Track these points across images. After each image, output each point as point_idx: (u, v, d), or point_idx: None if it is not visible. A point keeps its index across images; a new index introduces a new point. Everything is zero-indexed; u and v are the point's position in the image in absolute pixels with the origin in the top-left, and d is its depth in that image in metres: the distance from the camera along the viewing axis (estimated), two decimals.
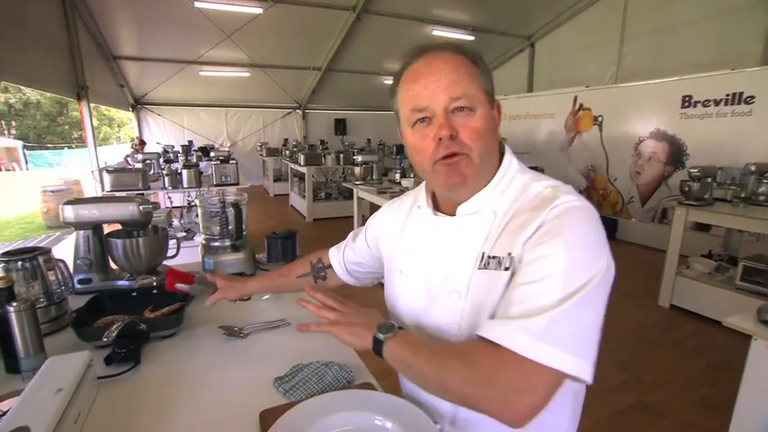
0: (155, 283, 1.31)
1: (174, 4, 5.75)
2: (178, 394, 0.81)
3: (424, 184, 0.83)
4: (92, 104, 5.72)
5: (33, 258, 1.04)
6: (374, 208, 4.19)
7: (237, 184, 4.23)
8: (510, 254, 0.64)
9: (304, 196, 6.57)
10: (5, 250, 1.04)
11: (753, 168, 3.19)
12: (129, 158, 5.59)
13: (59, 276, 1.10)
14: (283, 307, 1.20)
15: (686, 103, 4.48)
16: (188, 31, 6.53)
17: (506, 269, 0.64)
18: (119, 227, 1.37)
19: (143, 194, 3.34)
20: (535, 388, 0.54)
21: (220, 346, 1.00)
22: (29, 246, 1.10)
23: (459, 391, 0.58)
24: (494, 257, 0.66)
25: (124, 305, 1.11)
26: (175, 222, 3.89)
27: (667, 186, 4.76)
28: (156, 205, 1.51)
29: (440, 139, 0.66)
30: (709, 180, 3.19)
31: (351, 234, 1.02)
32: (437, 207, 0.79)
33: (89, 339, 0.95)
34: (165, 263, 1.42)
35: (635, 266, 4.29)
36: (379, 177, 5.33)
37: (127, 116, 9.88)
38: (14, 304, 0.81)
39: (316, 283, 0.99)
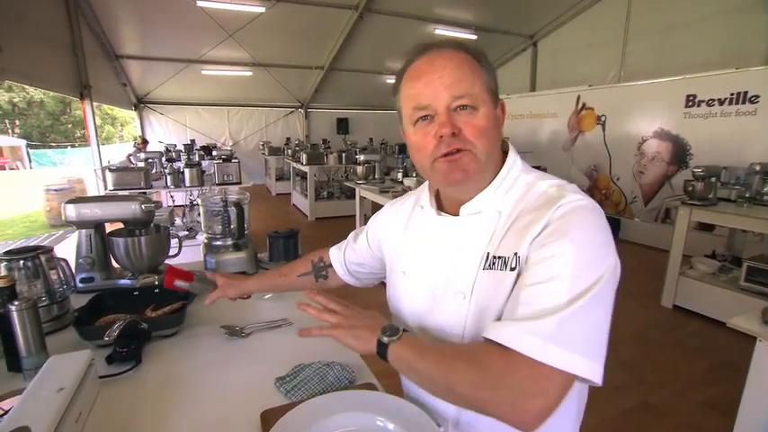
0: (156, 283, 1.30)
1: (177, 3, 5.76)
2: (179, 394, 0.81)
3: (426, 183, 0.82)
4: (95, 103, 5.76)
5: (35, 257, 1.05)
6: (376, 207, 4.19)
7: (240, 183, 4.23)
8: (516, 254, 0.63)
9: (306, 195, 6.58)
10: (8, 249, 1.05)
11: (757, 168, 3.18)
12: (131, 157, 5.62)
13: (61, 275, 1.10)
14: (285, 306, 1.19)
15: (690, 103, 4.45)
16: (190, 31, 6.54)
17: (512, 269, 0.63)
18: (121, 226, 1.37)
19: (145, 193, 3.34)
20: (546, 391, 0.54)
21: (222, 345, 1.00)
22: (31, 245, 1.10)
23: (468, 394, 0.57)
24: (499, 257, 0.65)
25: (126, 304, 1.11)
26: (177, 221, 3.91)
27: (671, 186, 4.74)
28: (159, 204, 1.51)
29: (441, 136, 0.65)
30: (713, 180, 3.16)
31: (351, 234, 1.00)
32: (440, 207, 0.78)
33: (91, 338, 0.95)
34: (166, 262, 1.42)
35: (638, 266, 4.26)
36: (382, 176, 5.33)
37: (129, 115, 9.90)
38: (16, 303, 0.82)
39: (317, 282, 0.98)
